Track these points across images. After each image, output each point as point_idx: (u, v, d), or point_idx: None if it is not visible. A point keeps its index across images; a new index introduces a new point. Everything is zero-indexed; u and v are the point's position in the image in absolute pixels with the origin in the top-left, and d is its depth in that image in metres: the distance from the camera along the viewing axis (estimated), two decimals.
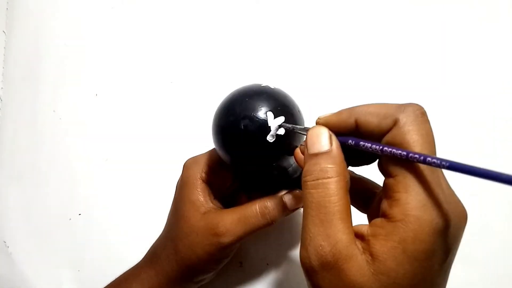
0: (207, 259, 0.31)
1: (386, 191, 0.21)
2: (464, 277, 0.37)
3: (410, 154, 0.19)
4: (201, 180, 0.32)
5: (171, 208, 0.35)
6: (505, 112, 0.41)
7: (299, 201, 0.30)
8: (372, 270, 0.19)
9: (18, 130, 0.47)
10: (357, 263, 0.20)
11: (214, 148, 0.33)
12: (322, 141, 0.22)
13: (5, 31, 0.50)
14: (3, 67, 0.49)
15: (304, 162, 0.23)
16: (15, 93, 0.48)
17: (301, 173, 0.31)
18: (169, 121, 0.45)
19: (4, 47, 0.49)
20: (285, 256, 0.40)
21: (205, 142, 0.36)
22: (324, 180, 0.21)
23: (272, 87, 0.28)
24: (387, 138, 0.21)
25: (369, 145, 0.21)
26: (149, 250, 0.35)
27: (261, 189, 0.32)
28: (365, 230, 0.21)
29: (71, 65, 0.48)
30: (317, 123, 0.24)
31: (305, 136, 0.25)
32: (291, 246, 0.40)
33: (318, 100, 0.42)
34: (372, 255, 0.20)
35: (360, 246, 0.20)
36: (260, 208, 0.30)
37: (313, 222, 0.21)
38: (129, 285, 0.33)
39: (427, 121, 0.21)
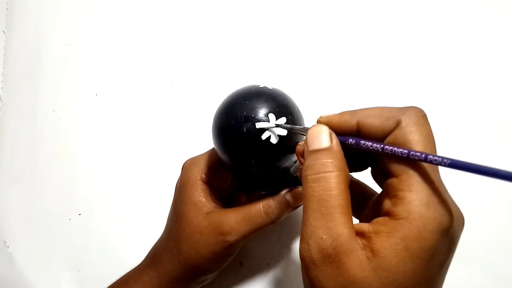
0: (212, 258, 0.31)
1: (389, 191, 0.21)
2: (464, 277, 0.37)
3: (412, 152, 0.20)
4: (201, 181, 0.32)
5: (171, 209, 0.35)
6: (504, 115, 0.41)
7: (301, 197, 0.31)
8: (373, 266, 0.19)
9: (18, 130, 0.47)
10: (357, 258, 0.20)
11: (213, 148, 0.33)
12: (323, 138, 0.23)
13: (5, 31, 0.50)
14: (3, 67, 0.49)
15: (305, 158, 0.23)
16: (15, 93, 0.48)
17: None
18: (169, 121, 0.44)
19: (4, 47, 0.49)
20: (285, 256, 0.40)
21: (205, 142, 0.36)
22: (326, 174, 0.21)
23: (270, 87, 0.28)
24: (389, 139, 0.21)
25: (370, 143, 0.22)
26: (150, 252, 0.35)
27: (263, 189, 0.32)
28: (366, 228, 0.21)
29: (71, 65, 0.48)
30: (318, 122, 0.25)
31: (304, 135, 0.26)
32: (291, 246, 0.40)
33: (318, 99, 0.42)
34: (373, 251, 0.20)
35: (360, 243, 0.20)
36: (264, 207, 0.30)
37: (314, 216, 0.21)
38: (130, 286, 0.33)
39: (428, 123, 0.21)
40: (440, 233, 0.19)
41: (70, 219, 0.44)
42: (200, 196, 0.32)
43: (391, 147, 0.21)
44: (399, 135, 0.21)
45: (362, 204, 0.28)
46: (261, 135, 0.26)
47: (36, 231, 0.44)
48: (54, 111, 0.47)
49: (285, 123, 0.26)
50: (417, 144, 0.20)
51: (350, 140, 0.23)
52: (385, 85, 0.42)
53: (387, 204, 0.21)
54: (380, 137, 0.22)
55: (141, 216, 0.43)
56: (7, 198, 0.46)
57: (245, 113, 0.26)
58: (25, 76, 0.48)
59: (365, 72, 0.43)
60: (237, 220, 0.30)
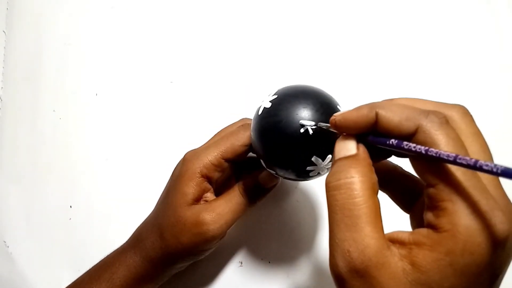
0: (192, 248, 0.32)
1: (430, 201, 0.19)
2: None
3: (459, 157, 0.17)
4: (199, 174, 0.33)
5: (161, 195, 0.36)
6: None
7: (271, 179, 0.34)
8: (411, 280, 0.18)
9: (18, 130, 0.47)
10: (390, 271, 0.18)
11: (216, 140, 0.33)
12: (349, 146, 0.22)
13: (5, 31, 0.50)
14: (3, 67, 0.49)
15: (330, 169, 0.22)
16: (15, 93, 0.48)
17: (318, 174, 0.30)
18: (169, 121, 0.44)
19: (4, 47, 0.49)
20: (285, 255, 0.40)
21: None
22: (348, 180, 0.20)
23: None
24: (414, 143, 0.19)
25: (413, 145, 0.19)
26: (135, 234, 0.36)
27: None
28: (406, 237, 0.19)
29: (71, 65, 0.48)
30: (332, 120, 0.23)
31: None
32: (292, 245, 0.40)
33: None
34: (413, 264, 0.18)
35: (397, 252, 0.19)
36: (239, 188, 0.33)
37: (338, 227, 0.19)
38: (116, 269, 0.34)
39: (450, 127, 0.19)
40: (489, 246, 0.17)
41: (70, 219, 0.44)
42: (192, 188, 0.32)
43: (436, 150, 0.18)
44: (423, 139, 0.19)
45: (413, 198, 0.26)
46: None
47: (36, 231, 0.44)
48: (54, 111, 0.47)
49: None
50: (447, 147, 0.18)
51: (392, 141, 0.20)
52: (384, 85, 0.43)
53: (428, 215, 0.19)
54: (398, 137, 0.20)
55: (141, 216, 0.42)
56: (7, 198, 0.46)
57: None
58: (25, 76, 0.48)
59: (367, 72, 0.43)
60: (218, 212, 0.32)
